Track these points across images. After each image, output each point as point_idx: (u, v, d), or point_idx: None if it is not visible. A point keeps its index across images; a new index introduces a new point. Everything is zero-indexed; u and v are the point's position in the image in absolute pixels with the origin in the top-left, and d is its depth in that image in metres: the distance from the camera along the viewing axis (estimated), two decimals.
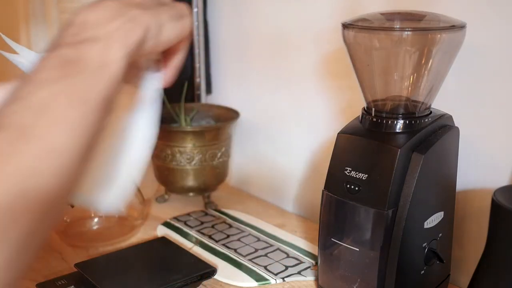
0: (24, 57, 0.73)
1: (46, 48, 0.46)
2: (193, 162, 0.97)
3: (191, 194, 1.02)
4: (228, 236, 0.90)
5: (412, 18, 0.67)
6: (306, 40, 0.94)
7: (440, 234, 0.69)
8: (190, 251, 0.83)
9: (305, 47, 0.95)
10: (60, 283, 0.73)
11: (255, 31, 1.05)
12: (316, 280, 0.77)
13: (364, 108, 0.69)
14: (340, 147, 0.68)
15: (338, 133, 0.69)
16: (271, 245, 0.87)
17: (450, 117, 0.70)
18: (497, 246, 0.57)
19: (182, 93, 1.02)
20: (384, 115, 0.66)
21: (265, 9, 1.02)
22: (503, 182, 0.71)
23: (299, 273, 0.79)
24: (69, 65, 0.43)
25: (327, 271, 0.71)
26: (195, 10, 1.09)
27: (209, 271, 0.75)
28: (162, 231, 0.92)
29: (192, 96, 1.13)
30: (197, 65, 1.12)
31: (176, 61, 0.54)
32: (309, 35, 0.93)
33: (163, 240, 0.85)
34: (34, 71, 0.44)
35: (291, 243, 0.88)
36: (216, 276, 0.77)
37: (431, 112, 0.69)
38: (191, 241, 0.88)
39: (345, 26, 0.66)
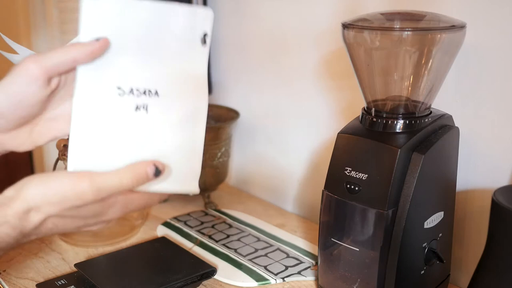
0: (24, 57, 0.73)
1: None
2: None
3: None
4: (228, 236, 0.90)
5: (412, 18, 0.67)
6: (306, 40, 0.94)
7: (440, 234, 0.69)
8: (190, 251, 0.83)
9: (305, 47, 0.95)
10: (60, 283, 0.73)
11: (255, 31, 1.05)
12: (316, 280, 0.77)
13: (364, 108, 0.69)
14: (340, 147, 0.68)
15: (338, 133, 0.69)
16: (271, 245, 0.87)
17: (450, 117, 0.70)
18: (497, 246, 0.56)
19: None
20: (384, 115, 0.66)
21: (265, 9, 1.02)
22: (503, 182, 0.71)
23: (299, 273, 0.79)
24: None
25: (327, 271, 0.71)
26: None
27: (209, 271, 0.75)
28: (162, 231, 0.92)
29: None
30: None
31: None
32: (309, 35, 0.93)
33: (163, 240, 0.85)
34: None
35: (291, 243, 0.88)
36: (216, 276, 0.77)
37: (431, 112, 0.69)
38: (191, 241, 0.88)
39: (345, 26, 0.66)
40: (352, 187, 0.65)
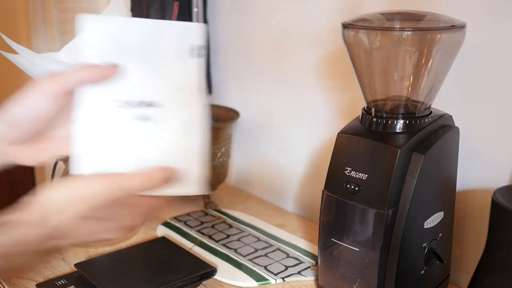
0: (24, 57, 0.73)
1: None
2: None
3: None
4: (228, 236, 0.90)
5: (412, 18, 0.67)
6: (306, 40, 0.94)
7: (440, 234, 0.69)
8: (190, 251, 0.83)
9: (305, 47, 0.95)
10: (60, 283, 0.73)
11: (255, 31, 1.05)
12: (316, 280, 0.77)
13: (364, 108, 0.69)
14: (340, 147, 0.68)
15: (338, 133, 0.69)
16: (271, 245, 0.87)
17: (450, 117, 0.70)
18: (497, 246, 0.57)
19: None
20: (384, 115, 0.66)
21: (265, 9, 1.02)
22: (503, 182, 0.71)
23: (299, 273, 0.79)
24: None
25: (327, 271, 0.71)
26: (195, 10, 1.09)
27: (209, 271, 0.75)
28: (162, 231, 0.92)
29: None
30: None
31: None
32: (309, 35, 0.93)
33: (163, 240, 0.85)
34: None
35: (291, 243, 0.88)
36: (216, 276, 0.77)
37: (431, 112, 0.68)
38: (191, 241, 0.88)
39: (345, 26, 0.66)
40: (352, 187, 0.65)
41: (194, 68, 0.60)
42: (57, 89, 0.57)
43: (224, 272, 0.79)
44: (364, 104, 0.70)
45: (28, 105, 0.58)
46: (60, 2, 1.83)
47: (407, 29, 0.63)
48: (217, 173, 1.01)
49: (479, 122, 0.74)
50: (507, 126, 0.71)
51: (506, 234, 0.55)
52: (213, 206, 1.01)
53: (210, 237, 0.89)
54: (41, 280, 0.76)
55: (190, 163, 0.60)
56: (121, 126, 0.58)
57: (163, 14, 1.07)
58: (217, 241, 0.88)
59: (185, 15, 1.08)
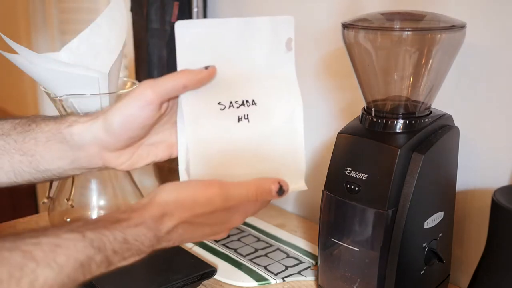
0: (24, 57, 0.73)
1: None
2: None
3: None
4: (228, 236, 0.90)
5: (412, 18, 0.67)
6: (306, 40, 0.94)
7: (440, 234, 0.69)
8: (190, 251, 0.83)
9: (305, 47, 0.95)
10: None
11: None
12: (316, 280, 0.77)
13: (364, 108, 0.69)
14: (340, 147, 0.68)
15: (338, 133, 0.69)
16: (271, 245, 0.87)
17: (450, 117, 0.70)
18: (497, 246, 0.56)
19: None
20: (384, 115, 0.66)
21: (265, 9, 1.02)
22: (503, 182, 0.71)
23: (299, 273, 0.79)
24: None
25: (327, 271, 0.71)
26: (195, 10, 1.09)
27: (209, 271, 0.75)
28: None
29: None
30: None
31: None
32: (309, 35, 0.93)
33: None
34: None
35: (291, 243, 0.88)
36: (216, 276, 0.77)
37: (431, 112, 0.68)
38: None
39: (345, 26, 0.66)
40: (352, 187, 0.65)
41: (290, 60, 0.61)
42: (156, 98, 0.57)
43: (224, 272, 0.79)
44: (364, 104, 0.70)
45: (126, 114, 0.58)
46: (60, 2, 1.83)
47: (407, 29, 0.63)
48: None
49: (479, 122, 0.74)
50: (507, 126, 0.71)
51: (506, 234, 0.55)
52: None
53: None
54: None
55: (294, 157, 0.61)
56: (228, 128, 0.59)
57: (163, 14, 1.07)
58: (217, 241, 0.88)
59: (185, 15, 1.08)
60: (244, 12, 1.06)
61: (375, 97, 0.69)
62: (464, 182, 0.75)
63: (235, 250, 0.85)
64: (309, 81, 0.95)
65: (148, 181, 1.06)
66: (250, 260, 0.82)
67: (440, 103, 0.72)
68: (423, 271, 0.68)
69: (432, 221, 0.67)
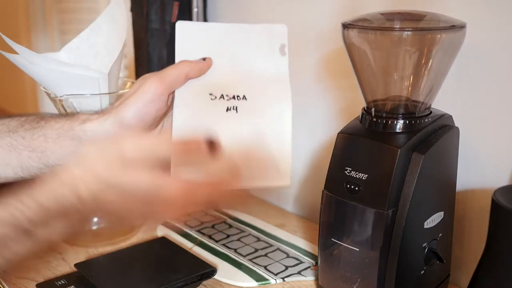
0: (24, 57, 0.73)
1: None
2: None
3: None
4: (228, 236, 0.90)
5: (412, 18, 0.67)
6: (306, 40, 0.94)
7: (440, 234, 0.69)
8: (190, 251, 0.83)
9: (305, 47, 0.95)
10: (60, 283, 0.73)
11: None
12: (316, 280, 0.77)
13: (364, 108, 0.69)
14: (340, 147, 0.68)
15: (338, 133, 0.69)
16: (271, 245, 0.87)
17: (450, 117, 0.70)
18: (497, 246, 0.56)
19: None
20: (384, 115, 0.66)
21: (265, 9, 1.02)
22: (503, 182, 0.71)
23: (299, 273, 0.79)
24: None
25: (327, 271, 0.71)
26: (195, 10, 1.09)
27: (209, 271, 0.75)
28: (162, 231, 0.92)
29: None
30: None
31: None
32: (309, 35, 0.93)
33: (163, 240, 0.85)
34: None
35: (291, 243, 0.88)
36: (216, 276, 0.77)
37: (431, 112, 0.68)
38: (191, 241, 0.88)
39: (345, 26, 0.66)
40: (352, 187, 0.65)
41: (283, 64, 0.65)
42: (165, 89, 0.61)
43: (224, 272, 0.79)
44: (364, 104, 0.70)
45: (139, 108, 0.61)
46: (60, 2, 1.82)
47: (407, 29, 0.63)
48: None
49: (479, 122, 0.74)
50: (507, 126, 0.71)
51: (506, 234, 0.55)
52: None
53: (210, 237, 0.89)
54: (41, 280, 0.76)
55: (280, 155, 0.64)
56: (216, 116, 0.63)
57: (163, 14, 1.07)
58: (217, 241, 0.88)
59: (185, 15, 1.08)
60: (244, 12, 1.06)
61: (375, 97, 0.69)
62: (464, 182, 0.75)
63: (235, 250, 0.85)
64: (309, 81, 0.95)
65: None
66: (250, 260, 0.82)
67: (440, 103, 0.72)
68: (423, 271, 0.68)
69: (432, 221, 0.67)
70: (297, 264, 0.81)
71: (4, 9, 2.14)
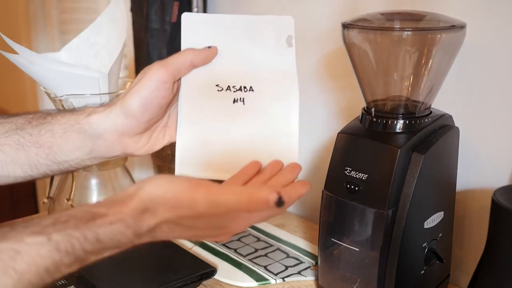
0: (24, 57, 0.73)
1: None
2: None
3: None
4: None
5: (412, 18, 0.67)
6: (306, 40, 0.94)
7: (440, 234, 0.69)
8: (190, 251, 0.83)
9: (305, 47, 0.95)
10: (60, 283, 0.73)
11: None
12: (316, 280, 0.77)
13: (364, 108, 0.69)
14: (340, 147, 0.68)
15: (338, 133, 0.69)
16: (271, 245, 0.87)
17: (450, 117, 0.70)
18: (497, 246, 0.56)
19: None
20: (384, 115, 0.66)
21: (265, 10, 1.02)
22: (503, 182, 0.71)
23: (299, 273, 0.79)
24: None
25: (327, 271, 0.71)
26: (195, 10, 1.09)
27: (209, 271, 0.75)
28: None
29: None
30: None
31: None
32: (309, 35, 0.93)
33: (163, 240, 0.85)
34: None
35: (291, 243, 0.88)
36: (216, 276, 0.77)
37: (431, 112, 0.68)
38: (191, 241, 0.88)
39: (345, 26, 0.66)
40: (352, 187, 0.65)
41: (290, 55, 0.65)
42: (169, 76, 0.60)
43: (224, 272, 0.79)
44: (364, 104, 0.70)
45: (144, 96, 0.59)
46: (60, 2, 1.82)
47: (407, 29, 0.63)
48: None
49: (479, 122, 0.74)
50: (507, 126, 0.71)
51: (506, 234, 0.55)
52: None
53: None
54: None
55: (287, 145, 0.64)
56: (222, 107, 0.63)
57: (163, 14, 1.07)
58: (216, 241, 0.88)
59: None
60: (243, 12, 1.06)
61: (375, 97, 0.69)
62: (464, 182, 0.75)
63: (235, 250, 0.85)
64: (309, 81, 0.95)
65: None
66: (250, 260, 0.82)
67: (440, 103, 0.72)
68: (423, 271, 0.68)
69: (432, 221, 0.67)
70: (297, 264, 0.81)
71: (4, 9, 2.14)
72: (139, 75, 0.61)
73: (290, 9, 0.96)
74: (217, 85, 0.63)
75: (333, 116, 0.93)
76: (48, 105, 0.81)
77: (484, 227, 0.59)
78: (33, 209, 1.88)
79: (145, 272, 0.75)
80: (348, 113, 0.89)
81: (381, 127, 0.66)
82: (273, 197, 0.47)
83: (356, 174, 0.65)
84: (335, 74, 0.92)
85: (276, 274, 0.79)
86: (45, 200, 0.85)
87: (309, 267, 0.81)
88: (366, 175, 0.64)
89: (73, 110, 0.64)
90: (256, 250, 0.85)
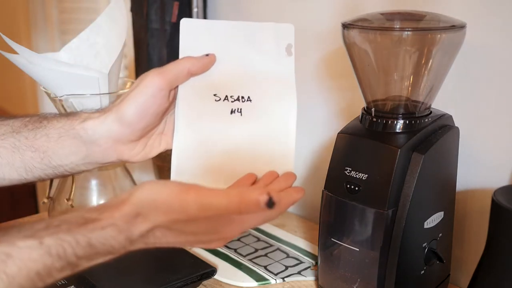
0: (24, 57, 0.73)
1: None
2: None
3: None
4: None
5: (412, 18, 0.67)
6: (306, 40, 0.94)
7: (440, 234, 0.69)
8: (190, 251, 0.83)
9: (305, 47, 0.95)
10: (60, 283, 0.73)
11: None
12: (316, 280, 0.77)
13: (364, 108, 0.69)
14: (340, 147, 0.68)
15: (338, 133, 0.69)
16: (271, 245, 0.87)
17: (450, 117, 0.70)
18: (497, 246, 0.56)
19: None
20: (384, 115, 0.66)
21: (265, 9, 1.02)
22: (503, 182, 0.71)
23: (299, 273, 0.79)
24: None
25: (327, 271, 0.71)
26: (195, 10, 1.09)
27: (209, 271, 0.75)
28: None
29: None
30: None
31: None
32: (309, 35, 0.93)
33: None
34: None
35: (291, 243, 0.88)
36: (216, 276, 0.77)
37: (431, 112, 0.68)
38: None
39: (345, 26, 0.66)
40: (352, 187, 0.65)
41: (289, 64, 0.64)
42: (166, 84, 0.59)
43: (224, 272, 0.79)
44: (364, 104, 0.70)
45: (139, 103, 0.59)
46: (60, 2, 1.82)
47: (407, 29, 0.63)
48: None
49: (479, 122, 0.74)
50: (507, 126, 0.71)
51: (506, 234, 0.55)
52: None
53: None
54: None
55: (284, 156, 0.63)
56: (220, 118, 0.62)
57: (163, 14, 1.07)
58: None
59: (185, 15, 1.08)
60: (244, 12, 1.06)
61: (375, 97, 0.69)
62: (464, 182, 0.75)
63: (235, 250, 0.85)
64: (309, 81, 0.95)
65: None
66: (250, 260, 0.82)
67: (440, 103, 0.72)
68: (423, 271, 0.68)
69: (432, 221, 0.67)
70: (297, 264, 0.81)
71: (4, 9, 2.14)
72: (136, 82, 0.61)
73: (290, 9, 0.96)
74: (215, 95, 0.62)
75: (333, 116, 0.93)
76: (48, 105, 0.81)
77: (484, 227, 0.59)
78: (33, 209, 1.89)
79: (145, 272, 0.75)
80: (348, 113, 0.89)
81: (381, 127, 0.66)
82: (264, 198, 0.47)
83: (356, 174, 0.65)
84: (335, 74, 0.92)
85: (276, 274, 0.79)
86: (45, 200, 0.85)
87: (309, 267, 0.81)
88: (366, 175, 0.64)
89: (68, 115, 0.63)
90: (256, 250, 0.85)
